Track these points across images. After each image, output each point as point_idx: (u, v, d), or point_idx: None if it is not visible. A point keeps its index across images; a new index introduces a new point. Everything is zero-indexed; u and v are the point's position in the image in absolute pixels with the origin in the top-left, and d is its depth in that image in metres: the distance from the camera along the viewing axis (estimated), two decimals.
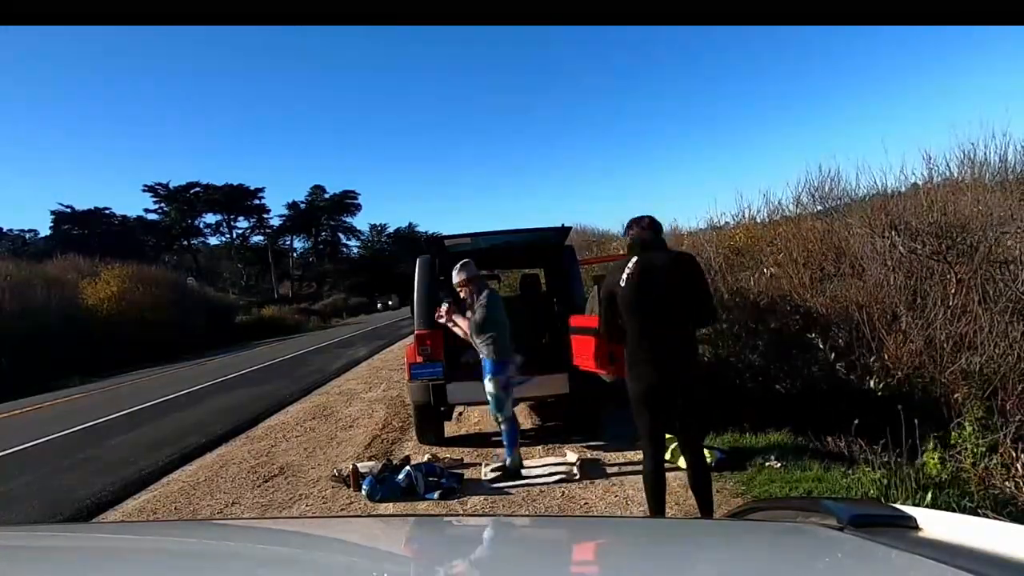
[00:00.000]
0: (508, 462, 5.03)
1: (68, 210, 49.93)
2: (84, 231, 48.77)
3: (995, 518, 2.49)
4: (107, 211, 52.24)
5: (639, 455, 5.15)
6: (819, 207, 8.11)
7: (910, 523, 1.04)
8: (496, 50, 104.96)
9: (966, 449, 3.93)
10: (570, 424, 6.27)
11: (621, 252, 7.67)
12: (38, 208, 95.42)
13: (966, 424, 4.04)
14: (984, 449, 3.88)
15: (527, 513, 4.22)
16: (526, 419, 7.05)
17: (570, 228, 6.47)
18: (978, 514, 3.19)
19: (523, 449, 5.82)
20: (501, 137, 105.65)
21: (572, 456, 5.22)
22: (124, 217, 52.91)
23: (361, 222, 66.39)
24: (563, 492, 4.62)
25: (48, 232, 50.36)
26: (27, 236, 52.98)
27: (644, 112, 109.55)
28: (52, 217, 49.97)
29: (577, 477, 4.84)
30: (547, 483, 4.80)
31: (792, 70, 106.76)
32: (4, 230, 52.70)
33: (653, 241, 3.58)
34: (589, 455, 5.35)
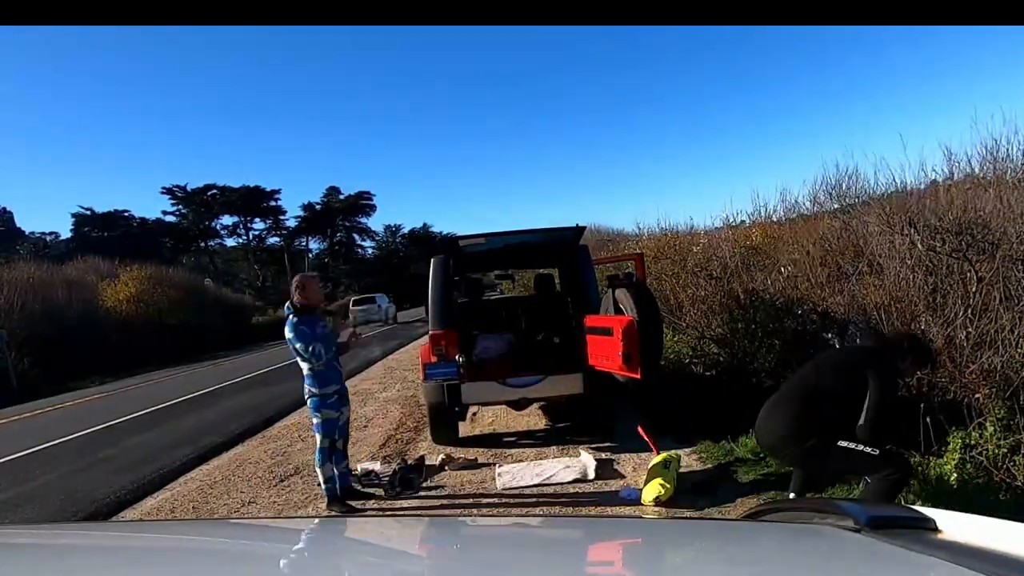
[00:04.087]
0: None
1: (88, 212, 50.64)
2: (104, 233, 49.38)
3: (1016, 520, 2.45)
4: (126, 213, 52.92)
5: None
6: (836, 205, 8.01)
7: (928, 525, 1.03)
8: (512, 51, 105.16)
9: (987, 450, 3.86)
10: (583, 424, 6.25)
11: (636, 252, 7.65)
12: (59, 211, 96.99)
13: (987, 424, 3.97)
14: (1006, 450, 3.82)
15: (540, 513, 4.22)
16: (538, 420, 7.04)
17: (584, 228, 6.45)
18: (999, 516, 3.14)
19: (536, 449, 5.83)
20: (515, 137, 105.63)
21: (586, 457, 5.20)
22: (143, 219, 53.52)
23: (376, 223, 66.49)
24: (577, 493, 4.61)
25: (69, 234, 51.12)
26: (48, 239, 53.73)
27: (660, 111, 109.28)
28: (72, 220, 50.80)
29: (591, 478, 4.83)
30: (561, 484, 4.79)
31: (808, 68, 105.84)
32: (26, 233, 53.57)
33: None
34: (603, 456, 5.33)
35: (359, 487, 5.04)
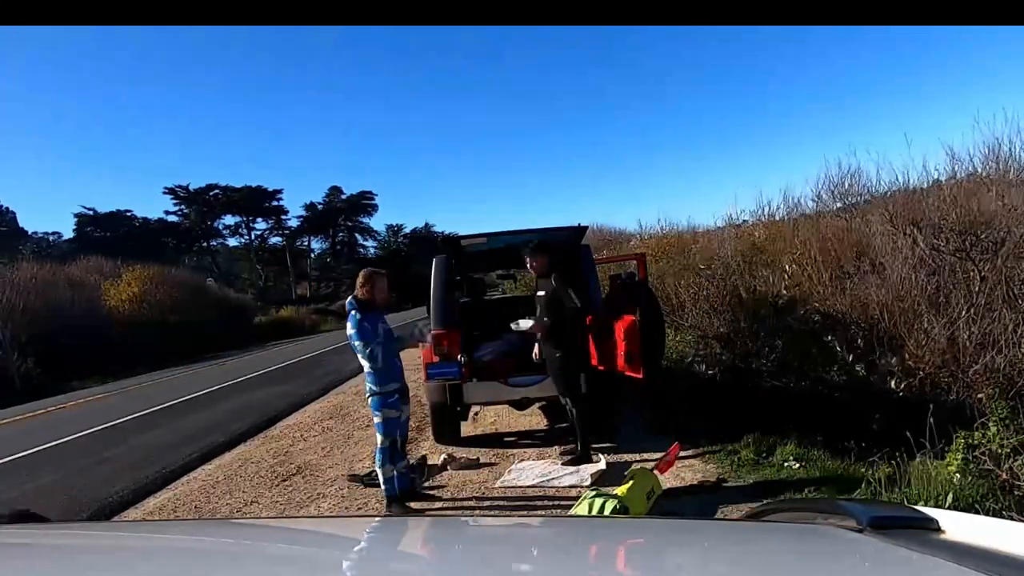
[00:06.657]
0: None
1: (91, 212, 50.70)
2: (106, 233, 49.46)
3: (1020, 520, 2.44)
4: (129, 213, 52.95)
5: (654, 456, 5.13)
6: (839, 204, 8.01)
7: (931, 525, 1.02)
8: (515, 51, 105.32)
9: (990, 450, 3.85)
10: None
11: (639, 251, 7.64)
12: (62, 211, 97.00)
13: (990, 424, 3.96)
14: (1008, 450, 3.81)
15: (542, 514, 4.21)
16: (539, 420, 7.04)
17: (586, 227, 6.44)
18: (1002, 516, 3.13)
19: (537, 450, 5.83)
20: (518, 137, 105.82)
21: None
22: (145, 219, 53.55)
23: (378, 222, 66.45)
24: (580, 493, 4.60)
25: (71, 234, 51.20)
26: (51, 238, 53.78)
27: (663, 110, 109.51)
28: (75, 220, 50.85)
29: (593, 476, 4.82)
30: (564, 484, 4.79)
31: (811, 68, 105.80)
32: (29, 233, 53.60)
33: None
34: (604, 456, 5.33)
35: (424, 484, 5.00)
